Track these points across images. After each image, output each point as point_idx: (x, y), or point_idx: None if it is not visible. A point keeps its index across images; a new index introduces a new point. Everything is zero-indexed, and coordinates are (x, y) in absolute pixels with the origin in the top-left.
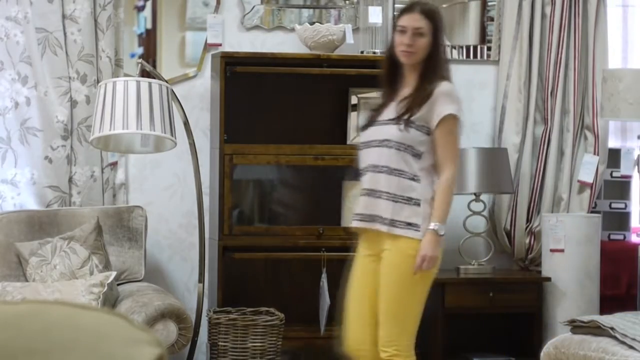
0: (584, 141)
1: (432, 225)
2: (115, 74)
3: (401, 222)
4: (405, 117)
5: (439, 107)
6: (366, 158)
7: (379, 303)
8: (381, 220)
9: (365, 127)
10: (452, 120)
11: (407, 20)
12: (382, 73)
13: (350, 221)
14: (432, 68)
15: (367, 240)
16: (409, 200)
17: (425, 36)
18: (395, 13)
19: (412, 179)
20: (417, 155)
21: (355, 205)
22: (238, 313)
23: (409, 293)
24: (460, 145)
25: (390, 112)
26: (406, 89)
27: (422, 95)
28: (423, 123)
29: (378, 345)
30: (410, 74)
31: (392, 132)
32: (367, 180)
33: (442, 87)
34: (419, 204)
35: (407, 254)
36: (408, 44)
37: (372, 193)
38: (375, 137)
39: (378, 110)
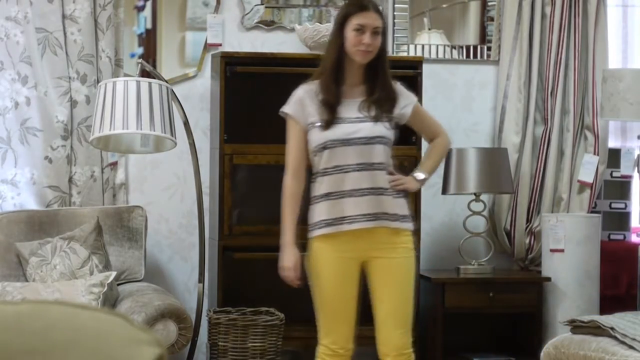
0: (584, 141)
1: (421, 175)
2: (115, 74)
3: (404, 217)
4: (386, 115)
5: (405, 99)
6: (349, 156)
7: (387, 302)
8: (390, 217)
9: (327, 125)
10: (419, 104)
11: (365, 19)
12: (326, 70)
13: (342, 223)
14: (385, 65)
15: (353, 241)
16: (399, 193)
17: (380, 35)
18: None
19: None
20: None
21: (338, 208)
22: (238, 313)
23: (413, 290)
24: None
25: (351, 110)
26: (355, 88)
27: (393, 94)
28: (397, 121)
29: (385, 350)
30: (357, 71)
31: (380, 129)
32: (361, 179)
33: (397, 85)
34: (407, 196)
35: (410, 249)
36: (368, 44)
37: (373, 191)
38: (359, 135)
39: (333, 107)
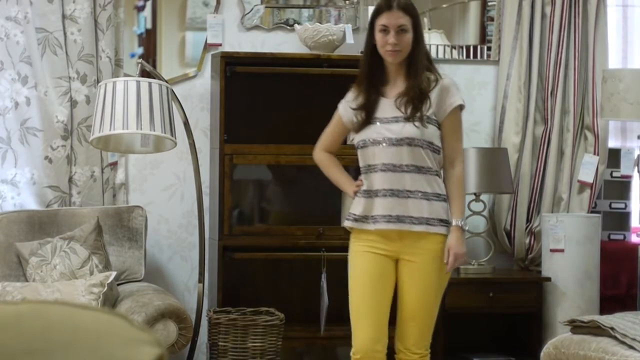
0: (584, 141)
1: (459, 222)
2: (115, 74)
3: (434, 220)
4: (418, 113)
5: (449, 98)
6: (377, 157)
7: (406, 303)
8: (414, 220)
9: (362, 126)
10: (459, 112)
11: (388, 19)
12: (362, 73)
13: (365, 222)
14: (420, 61)
15: (382, 240)
16: (438, 197)
17: (409, 32)
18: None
19: (437, 175)
20: (437, 151)
21: (367, 206)
22: (238, 313)
23: (440, 291)
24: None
25: (387, 110)
26: (397, 86)
27: (424, 90)
28: (435, 117)
29: (399, 345)
30: (396, 70)
31: (409, 129)
32: (386, 180)
33: (446, 80)
34: (445, 200)
35: (439, 253)
36: (394, 43)
37: (397, 193)
38: (386, 135)
39: (369, 108)
